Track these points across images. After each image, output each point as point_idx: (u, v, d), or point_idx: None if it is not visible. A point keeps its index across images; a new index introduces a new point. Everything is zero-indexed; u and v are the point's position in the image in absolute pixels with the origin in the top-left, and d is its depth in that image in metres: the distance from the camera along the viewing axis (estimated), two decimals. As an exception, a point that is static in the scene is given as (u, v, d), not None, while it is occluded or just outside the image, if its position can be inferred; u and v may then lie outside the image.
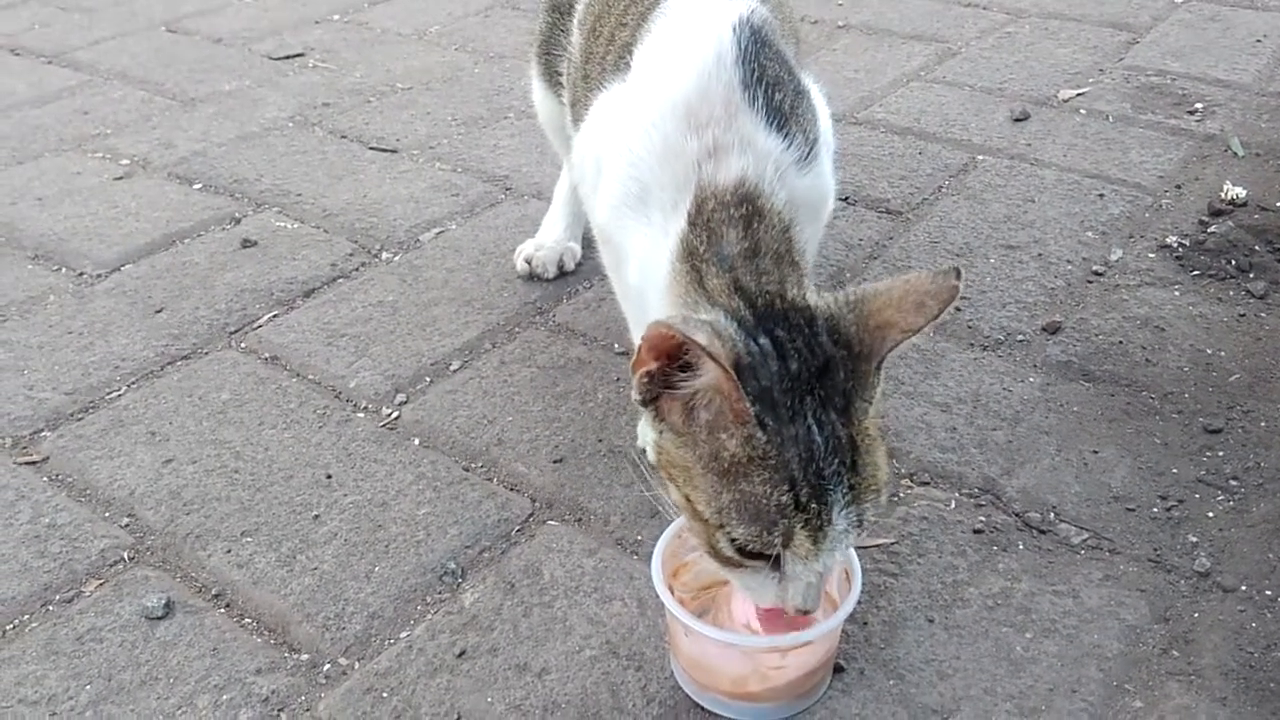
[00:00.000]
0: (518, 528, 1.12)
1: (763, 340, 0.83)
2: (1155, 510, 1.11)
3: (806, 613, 0.82)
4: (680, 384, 0.81)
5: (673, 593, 0.91)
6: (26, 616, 1.04)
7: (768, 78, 0.96)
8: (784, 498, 0.78)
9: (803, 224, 0.94)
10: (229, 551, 1.10)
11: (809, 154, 0.97)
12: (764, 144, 0.93)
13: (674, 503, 0.85)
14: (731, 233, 0.90)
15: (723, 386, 0.78)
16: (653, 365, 0.81)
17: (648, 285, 0.98)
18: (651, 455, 0.91)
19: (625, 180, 0.99)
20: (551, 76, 1.40)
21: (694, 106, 0.94)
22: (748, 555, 0.80)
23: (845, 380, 0.81)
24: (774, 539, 0.78)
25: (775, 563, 0.81)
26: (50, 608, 1.05)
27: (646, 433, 1.19)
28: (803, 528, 0.78)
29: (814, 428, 0.79)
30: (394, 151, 1.93)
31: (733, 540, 0.80)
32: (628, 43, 1.07)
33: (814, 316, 0.84)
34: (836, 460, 0.79)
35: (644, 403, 0.84)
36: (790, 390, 0.80)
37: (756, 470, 0.79)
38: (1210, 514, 1.11)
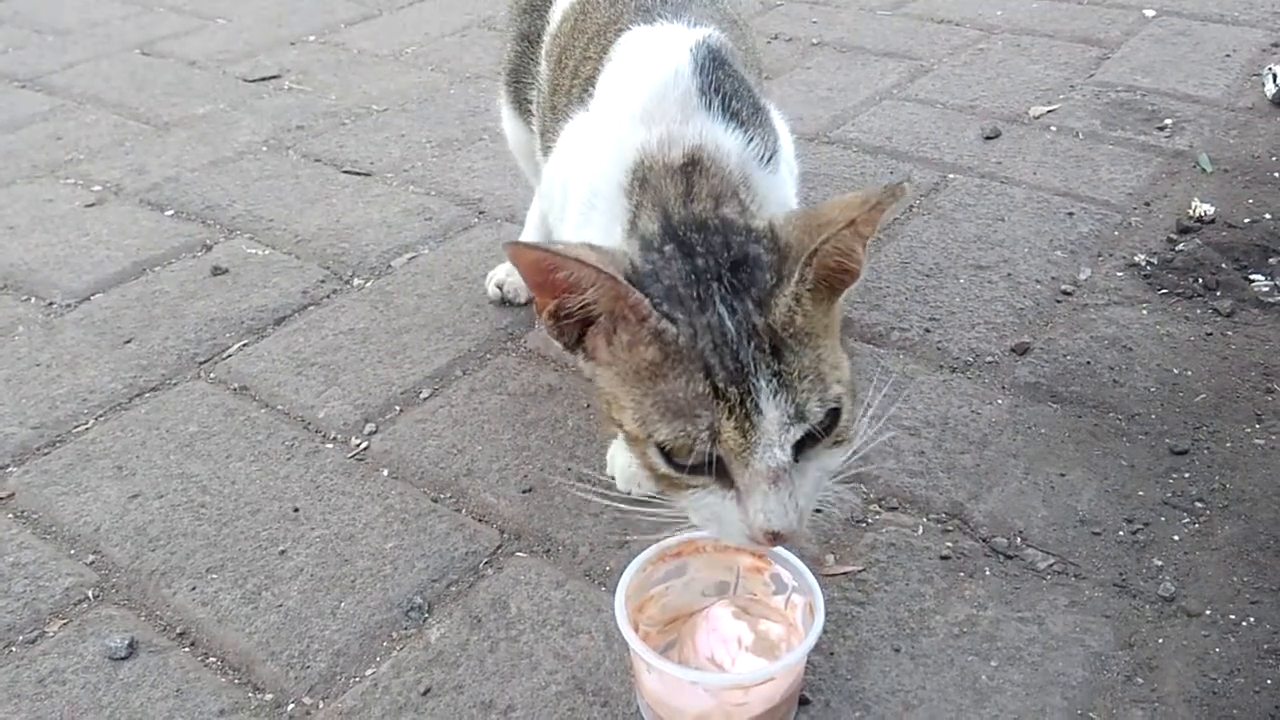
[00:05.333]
0: (485, 560, 1.12)
1: (667, 248, 0.83)
2: (1121, 533, 1.12)
3: (776, 537, 0.79)
4: (575, 312, 0.80)
5: (638, 628, 0.91)
6: (-12, 658, 1.03)
7: (725, 89, 0.97)
8: (701, 387, 0.77)
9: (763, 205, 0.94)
10: (194, 589, 1.09)
11: (770, 158, 0.98)
12: (722, 136, 0.94)
13: (631, 454, 0.86)
14: (670, 185, 0.90)
15: (606, 289, 0.78)
16: (550, 303, 0.80)
17: None
18: (600, 404, 0.91)
19: (582, 191, 1.00)
20: (521, 104, 1.41)
21: (649, 110, 0.95)
22: (683, 468, 0.79)
23: (765, 275, 0.80)
24: (699, 432, 0.77)
25: (722, 478, 0.79)
26: (13, 649, 1.04)
27: (616, 458, 1.19)
28: (728, 418, 0.76)
29: (724, 315, 0.78)
30: (368, 175, 1.93)
31: (660, 446, 0.79)
32: (590, 76, 1.08)
33: (732, 221, 0.84)
34: (753, 345, 0.77)
35: (569, 348, 0.83)
36: (696, 283, 0.80)
37: (671, 366, 0.78)
38: (1176, 537, 1.11)
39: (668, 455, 0.80)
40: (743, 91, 1.00)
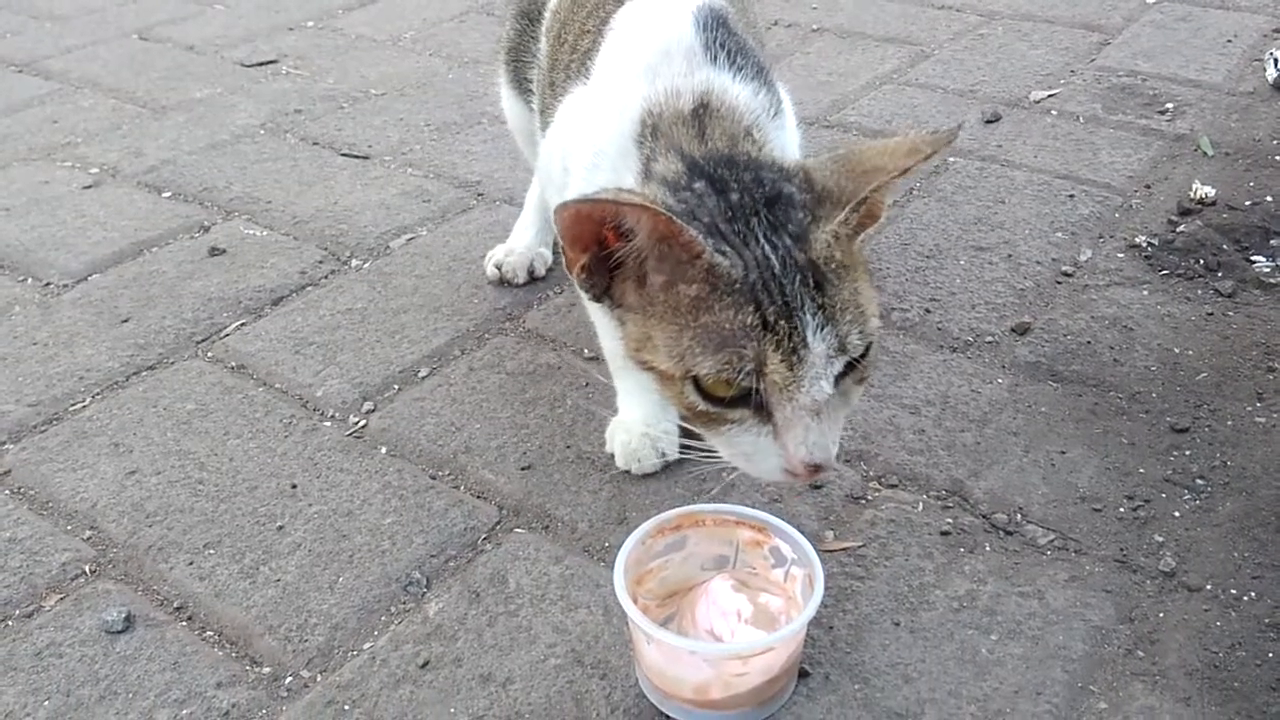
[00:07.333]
0: (484, 536, 1.11)
1: (697, 184, 0.82)
2: (1122, 510, 1.11)
3: (816, 469, 0.79)
4: (620, 258, 0.79)
5: (636, 600, 0.91)
6: (-15, 632, 1.03)
7: (729, 46, 0.97)
8: (750, 319, 0.76)
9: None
10: (191, 564, 1.09)
11: (776, 113, 0.98)
12: (730, 85, 0.93)
13: (659, 391, 0.85)
14: (683, 129, 0.89)
15: (661, 230, 0.77)
16: (584, 258, 0.79)
17: None
18: (619, 349, 0.89)
19: (584, 158, 0.99)
20: (521, 83, 1.40)
21: (653, 67, 0.94)
22: (720, 401, 0.78)
23: (801, 214, 0.80)
24: (744, 365, 0.76)
25: (759, 412, 0.79)
26: (9, 623, 1.03)
27: (615, 436, 1.18)
28: (774, 350, 0.76)
29: (768, 248, 0.78)
30: (365, 158, 1.92)
31: (698, 381, 0.78)
32: (589, 50, 1.07)
33: (758, 159, 0.84)
34: (797, 278, 0.77)
35: (596, 298, 0.83)
36: (735, 218, 0.79)
37: (718, 300, 0.77)
38: (1176, 513, 1.11)
39: (704, 391, 0.79)
40: (747, 50, 0.99)
